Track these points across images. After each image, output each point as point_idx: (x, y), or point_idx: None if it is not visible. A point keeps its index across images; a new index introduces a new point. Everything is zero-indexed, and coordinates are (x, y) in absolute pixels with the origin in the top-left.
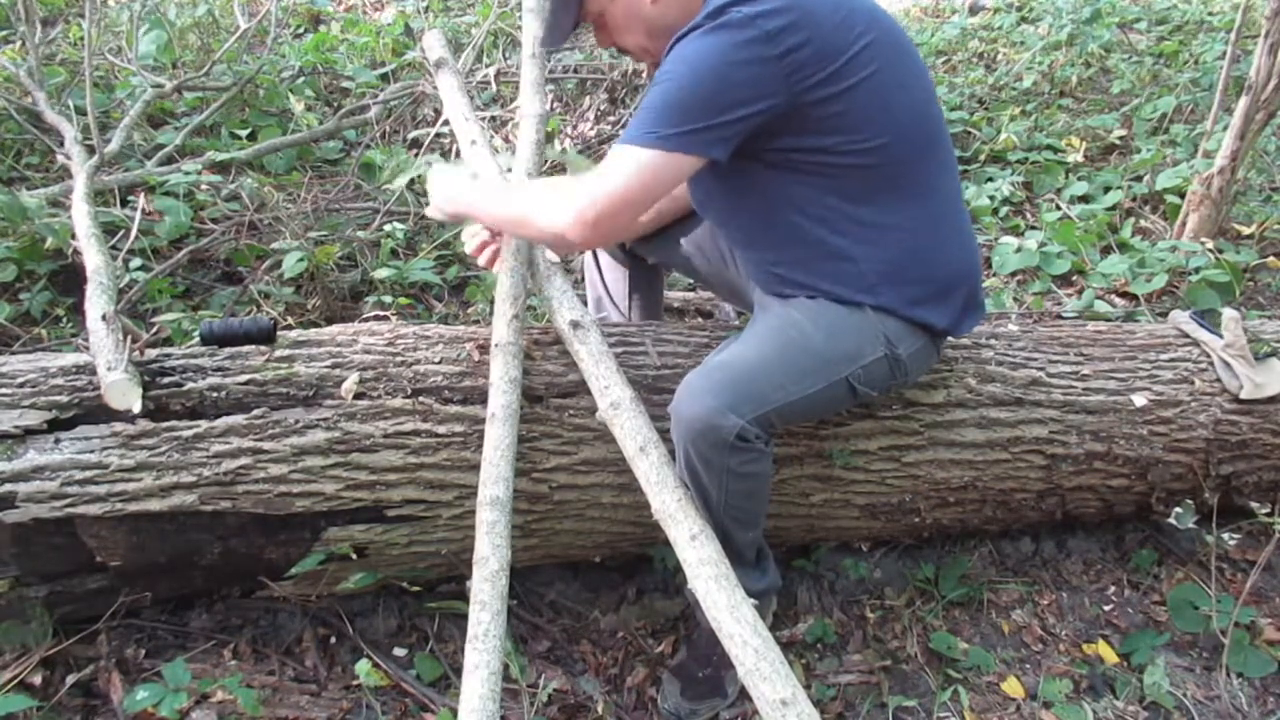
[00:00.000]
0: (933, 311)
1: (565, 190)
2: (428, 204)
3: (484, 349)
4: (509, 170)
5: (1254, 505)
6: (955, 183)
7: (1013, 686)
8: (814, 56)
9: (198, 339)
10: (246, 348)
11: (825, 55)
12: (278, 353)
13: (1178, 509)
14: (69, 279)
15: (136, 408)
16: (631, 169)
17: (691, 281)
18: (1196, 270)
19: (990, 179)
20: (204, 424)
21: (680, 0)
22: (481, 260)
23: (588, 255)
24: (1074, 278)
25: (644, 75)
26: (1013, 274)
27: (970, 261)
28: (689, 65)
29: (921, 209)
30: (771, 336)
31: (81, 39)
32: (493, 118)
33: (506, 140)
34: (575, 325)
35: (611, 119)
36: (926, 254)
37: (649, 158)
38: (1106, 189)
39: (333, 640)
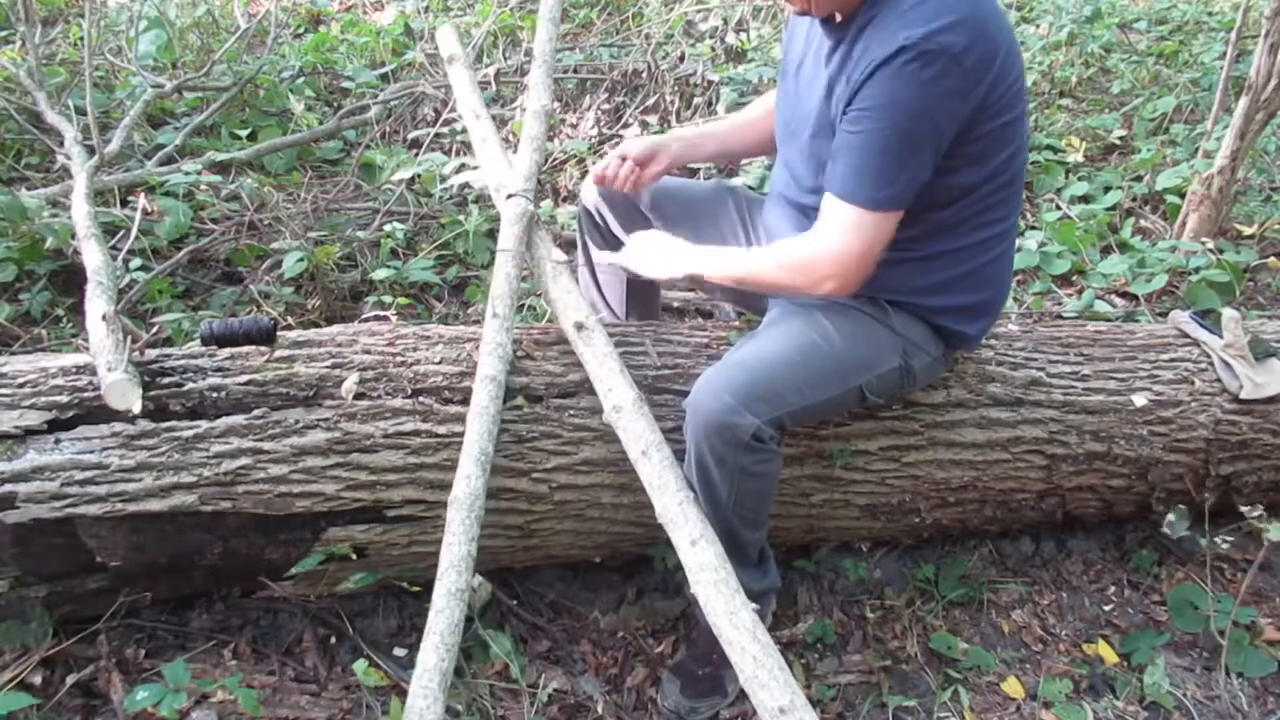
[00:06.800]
0: (971, 325)
1: (806, 258)
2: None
3: None
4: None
5: (1244, 508)
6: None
7: (1013, 686)
8: (994, 83)
9: (198, 339)
10: (246, 348)
11: (1002, 80)
12: (278, 353)
13: (1170, 517)
14: (69, 279)
15: (136, 408)
16: (865, 231)
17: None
18: (1196, 270)
19: None
20: (204, 424)
21: None
22: (617, 185)
23: (579, 257)
24: (1074, 278)
25: (644, 75)
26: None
27: (1010, 277)
28: (895, 114)
29: (1007, 222)
30: (794, 338)
31: (81, 39)
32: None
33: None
34: (580, 327)
35: (611, 118)
36: (993, 268)
37: (873, 220)
38: (1106, 189)
39: (333, 640)
